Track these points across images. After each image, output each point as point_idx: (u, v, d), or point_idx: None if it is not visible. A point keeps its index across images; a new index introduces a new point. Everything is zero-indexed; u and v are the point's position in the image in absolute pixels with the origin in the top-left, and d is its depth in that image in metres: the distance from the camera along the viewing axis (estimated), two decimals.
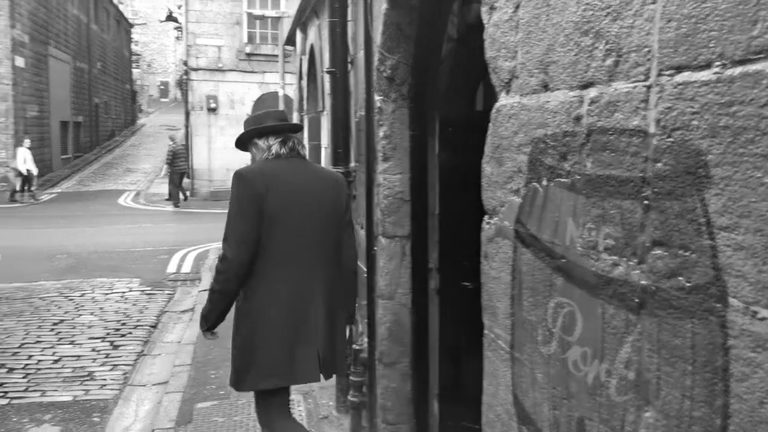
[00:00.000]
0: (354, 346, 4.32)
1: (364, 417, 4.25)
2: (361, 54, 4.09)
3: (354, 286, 3.42)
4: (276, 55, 20.17)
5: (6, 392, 5.29)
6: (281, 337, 3.04)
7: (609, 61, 1.43)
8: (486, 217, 2.13)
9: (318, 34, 6.27)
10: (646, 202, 1.31)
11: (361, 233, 4.25)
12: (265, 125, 3.26)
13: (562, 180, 1.61)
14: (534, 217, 1.77)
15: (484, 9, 2.06)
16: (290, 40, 9.95)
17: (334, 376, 3.90)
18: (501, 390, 2.01)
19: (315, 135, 7.85)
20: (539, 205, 1.74)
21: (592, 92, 1.49)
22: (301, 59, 8.37)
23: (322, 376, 3.18)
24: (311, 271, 3.11)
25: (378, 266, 3.81)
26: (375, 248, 3.86)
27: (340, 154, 4.46)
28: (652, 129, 1.29)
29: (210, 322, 3.15)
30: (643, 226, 1.32)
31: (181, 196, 19.50)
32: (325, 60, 5.92)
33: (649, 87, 1.30)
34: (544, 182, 1.71)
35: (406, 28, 3.48)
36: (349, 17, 4.31)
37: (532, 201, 1.78)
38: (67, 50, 27.16)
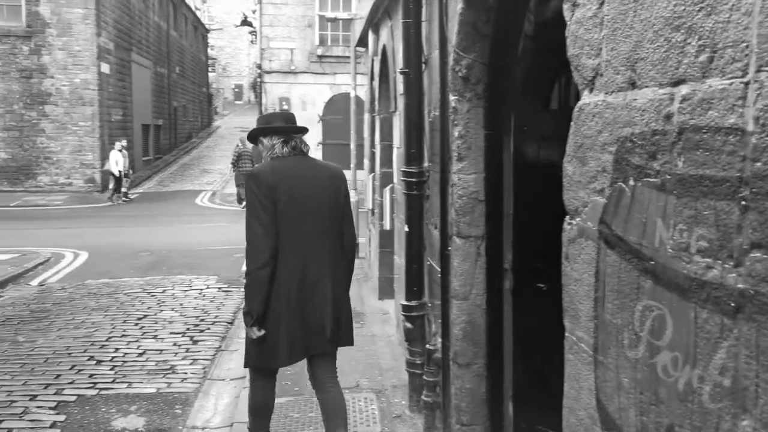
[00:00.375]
0: (427, 345, 4.34)
1: (437, 417, 4.25)
2: (435, 54, 4.09)
3: (353, 264, 3.80)
4: (347, 57, 20.39)
5: (95, 383, 5.55)
6: (296, 319, 3.44)
7: (702, 58, 1.38)
8: (567, 218, 2.09)
9: (390, 35, 6.30)
10: (743, 202, 1.26)
11: (435, 233, 4.25)
12: (269, 126, 3.62)
13: (651, 180, 1.57)
14: (620, 218, 1.73)
15: (566, 6, 2.03)
16: (362, 42, 10.02)
17: (407, 378, 4.34)
18: (583, 394, 1.98)
19: (386, 135, 7.88)
20: (625, 206, 1.70)
21: (683, 89, 1.44)
22: (372, 60, 8.42)
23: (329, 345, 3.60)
24: (319, 256, 3.51)
25: (452, 266, 3.80)
26: (449, 248, 3.85)
27: (413, 154, 4.47)
28: (750, 127, 1.24)
29: (254, 314, 3.37)
30: (740, 228, 1.27)
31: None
32: (397, 61, 5.95)
33: (747, 84, 1.25)
34: (631, 182, 1.67)
35: (482, 27, 3.46)
36: (423, 17, 4.31)
37: (617, 201, 1.74)
38: (149, 56, 28.29)
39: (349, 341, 3.67)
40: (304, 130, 3.70)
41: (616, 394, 1.77)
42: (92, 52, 21.17)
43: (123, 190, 20.32)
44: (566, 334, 2.11)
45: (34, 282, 9.75)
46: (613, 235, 1.77)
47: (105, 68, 22.00)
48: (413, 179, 4.46)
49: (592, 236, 1.90)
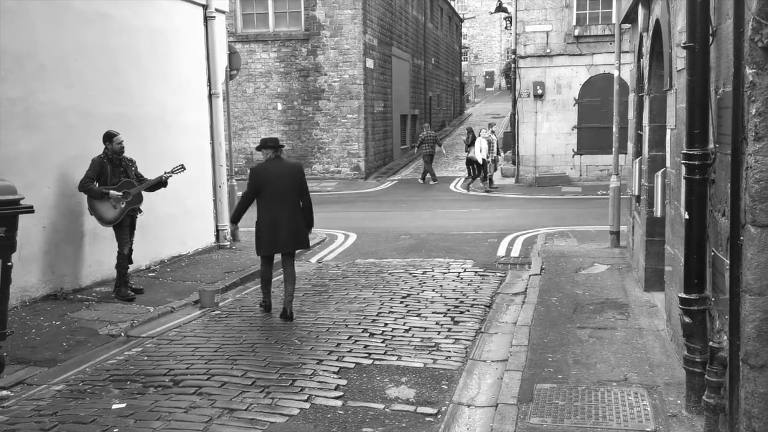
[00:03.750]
0: (711, 343, 4.00)
1: (720, 421, 3.91)
2: (726, 24, 3.72)
3: (309, 213, 7.34)
4: (606, 36, 19.42)
5: (369, 353, 6.04)
6: (268, 232, 7.11)
7: None
8: None
9: (666, 8, 5.84)
10: None
11: (722, 221, 3.89)
12: (264, 145, 7.27)
13: None
14: None
15: None
16: (627, 18, 9.46)
17: (683, 376, 4.06)
18: None
19: (657, 116, 7.34)
20: None
21: None
22: (641, 36, 7.89)
23: (291, 247, 7.31)
24: (280, 207, 7.08)
25: (745, 258, 3.44)
26: (741, 238, 3.50)
27: (696, 135, 4.12)
28: None
29: (235, 220, 7.91)
30: None
31: (428, 177, 22.50)
32: (674, 35, 5.52)
33: None
34: None
35: None
36: None
37: None
38: (407, 49, 29.78)
39: (304, 246, 7.50)
40: (281, 147, 7.39)
41: None
42: (359, 50, 22.87)
43: (488, 176, 20.09)
44: None
45: (313, 259, 10.89)
46: None
47: (369, 63, 23.64)
48: (695, 162, 4.11)
49: None
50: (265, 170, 7.11)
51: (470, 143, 22.41)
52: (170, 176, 8.31)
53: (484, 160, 19.91)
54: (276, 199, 7.04)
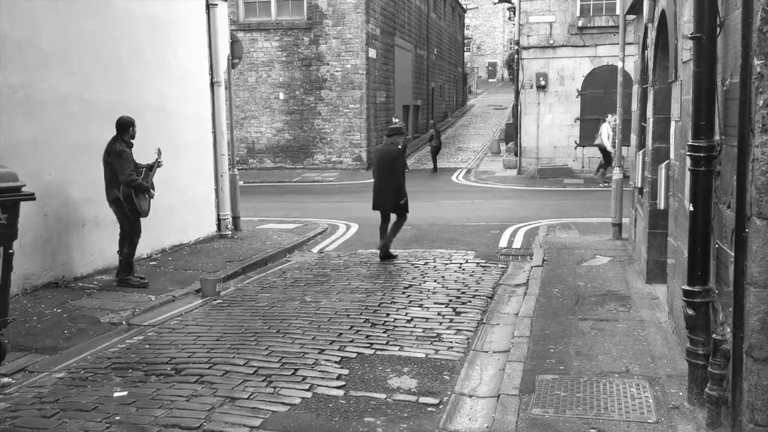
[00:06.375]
0: (714, 335, 3.99)
1: (723, 413, 3.90)
2: (734, 14, 3.68)
3: (397, 186, 9.60)
4: (610, 27, 19.33)
5: (371, 344, 6.03)
6: (374, 194, 9.77)
7: None
8: None
9: None
10: None
11: (727, 213, 3.87)
12: (388, 132, 10.07)
13: None
14: None
15: None
16: (632, 9, 9.41)
17: (685, 368, 4.13)
18: None
19: (661, 108, 7.30)
20: None
21: None
22: (646, 27, 7.84)
23: (388, 208, 9.76)
24: (384, 180, 9.60)
25: (750, 250, 3.43)
26: (746, 230, 3.48)
27: (702, 127, 4.09)
28: None
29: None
30: None
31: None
32: (680, 26, 5.48)
33: None
34: None
35: None
36: None
37: None
38: (410, 39, 29.68)
39: (395, 209, 9.66)
40: (393, 135, 9.83)
41: None
42: (362, 39, 22.79)
43: (609, 166, 17.69)
44: None
45: (315, 249, 10.89)
46: None
47: (372, 53, 23.55)
48: (701, 154, 4.09)
49: None
50: (377, 151, 9.96)
51: (430, 140, 23.52)
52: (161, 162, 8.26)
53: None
54: (378, 171, 9.64)
